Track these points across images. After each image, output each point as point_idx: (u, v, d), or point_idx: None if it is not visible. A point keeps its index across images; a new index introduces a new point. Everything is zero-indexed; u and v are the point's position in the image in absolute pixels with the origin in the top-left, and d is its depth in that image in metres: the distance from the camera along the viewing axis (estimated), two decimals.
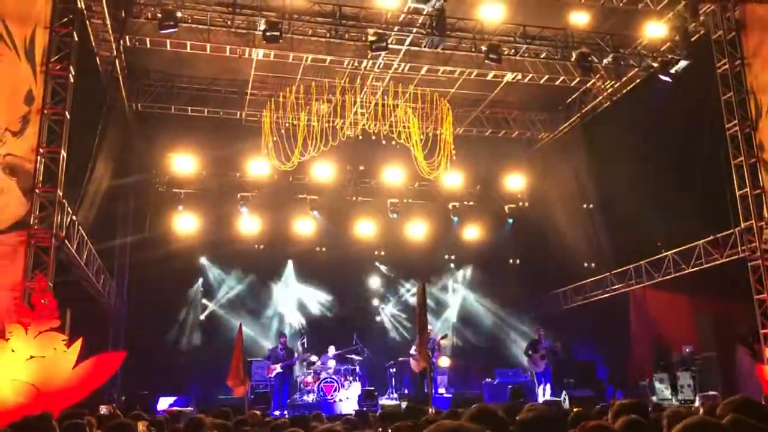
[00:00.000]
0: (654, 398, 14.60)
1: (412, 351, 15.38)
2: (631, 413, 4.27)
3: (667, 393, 14.64)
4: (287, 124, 15.55)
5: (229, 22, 13.06)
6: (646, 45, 14.64)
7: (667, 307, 16.36)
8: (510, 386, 14.85)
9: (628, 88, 16.38)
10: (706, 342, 14.61)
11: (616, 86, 16.50)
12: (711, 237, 14.07)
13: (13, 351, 9.50)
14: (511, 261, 20.75)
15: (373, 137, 16.06)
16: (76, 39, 11.24)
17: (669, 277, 15.35)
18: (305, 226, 19.10)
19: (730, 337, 14.29)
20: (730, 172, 13.32)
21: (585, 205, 18.15)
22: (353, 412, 12.99)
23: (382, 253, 19.84)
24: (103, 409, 9.06)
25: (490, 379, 16.05)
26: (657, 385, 15.00)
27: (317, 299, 19.17)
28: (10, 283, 10.06)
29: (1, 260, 10.09)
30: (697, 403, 12.92)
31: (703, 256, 14.32)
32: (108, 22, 12.67)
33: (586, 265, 18.43)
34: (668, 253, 15.39)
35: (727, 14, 13.63)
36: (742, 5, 13.56)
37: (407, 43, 14.03)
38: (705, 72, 13.86)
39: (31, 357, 9.55)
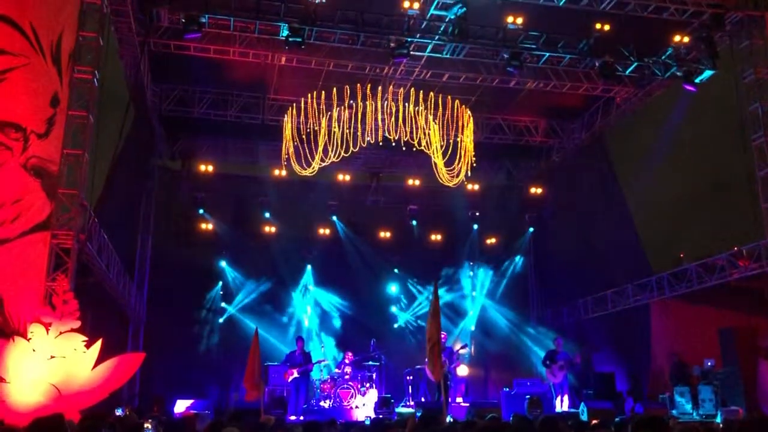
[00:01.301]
0: (674, 412, 14.39)
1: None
2: (649, 428, 4.21)
3: (688, 407, 14.41)
4: (308, 130, 15.59)
5: (252, 28, 13.15)
6: (671, 54, 14.48)
7: (689, 320, 16.12)
8: (528, 397, 14.71)
9: (652, 97, 16.21)
10: (729, 355, 14.38)
11: (639, 95, 16.34)
12: (735, 249, 13.85)
13: (34, 351, 9.62)
14: (530, 269, 20.60)
15: (393, 143, 16.05)
16: (102, 43, 11.39)
17: (692, 289, 15.12)
18: (324, 231, 19.13)
19: (753, 350, 14.05)
20: (755, 183, 13.12)
21: (608, 213, 17.94)
22: (368, 419, 13.01)
23: (401, 259, 19.80)
24: (120, 411, 9.11)
25: (508, 389, 15.91)
26: (677, 398, 14.77)
27: (335, 305, 19.18)
28: (33, 284, 10.17)
29: (24, 261, 10.22)
30: (719, 419, 12.73)
31: (726, 268, 14.09)
32: (133, 26, 12.82)
33: (606, 274, 18.21)
34: (691, 264, 15.17)
35: (753, 24, 13.46)
36: None
37: (429, 49, 14.03)
38: (730, 82, 13.68)
39: (52, 357, 9.66)
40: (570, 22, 13.82)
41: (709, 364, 14.62)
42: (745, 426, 3.45)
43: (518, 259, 20.51)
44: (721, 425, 11.02)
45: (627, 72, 14.63)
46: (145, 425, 6.15)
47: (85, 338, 9.96)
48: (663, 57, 14.49)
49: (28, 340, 9.66)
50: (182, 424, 7.34)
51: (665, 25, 13.86)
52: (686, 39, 13.94)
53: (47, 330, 9.77)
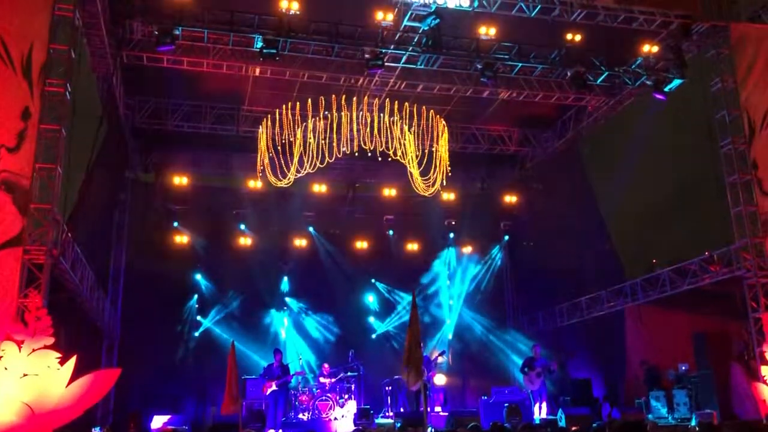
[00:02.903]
0: (650, 416, 14.56)
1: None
2: None
3: (663, 411, 14.60)
4: (283, 141, 15.57)
5: (226, 40, 13.11)
6: (641, 63, 14.76)
7: (663, 325, 16.36)
8: (506, 404, 14.78)
9: (623, 105, 16.48)
10: (702, 360, 14.60)
11: (610, 104, 16.60)
12: (706, 254, 14.10)
13: (6, 369, 9.42)
14: (506, 277, 20.75)
15: (369, 154, 16.10)
16: (74, 56, 11.26)
17: (665, 294, 15.35)
18: (301, 242, 19.06)
19: (726, 354, 14.29)
20: (724, 189, 13.39)
21: (581, 221, 18.14)
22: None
23: (378, 269, 19.80)
24: (98, 430, 8.97)
25: (486, 397, 15.97)
26: (653, 402, 14.96)
27: (313, 316, 19.10)
28: (4, 301, 9.97)
29: None
30: (693, 422, 12.91)
31: (698, 273, 14.34)
32: (106, 39, 12.70)
33: (581, 281, 18.42)
34: (664, 270, 15.40)
35: (720, 34, 13.79)
36: (735, 25, 13.72)
37: (403, 60, 14.12)
38: (699, 90, 13.98)
39: (25, 375, 9.47)
40: (542, 33, 14.03)
41: (683, 368, 14.85)
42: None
43: (494, 267, 20.64)
44: (696, 428, 11.19)
45: (598, 81, 14.88)
46: None
47: (59, 355, 9.79)
48: (633, 66, 14.78)
49: (0, 358, 9.47)
50: None
51: (634, 35, 14.14)
52: (655, 49, 14.23)
53: (19, 348, 9.57)
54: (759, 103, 13.43)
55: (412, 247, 20.00)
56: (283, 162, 15.49)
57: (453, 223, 20.20)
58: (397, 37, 13.65)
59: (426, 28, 13.19)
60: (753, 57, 13.61)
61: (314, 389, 15.53)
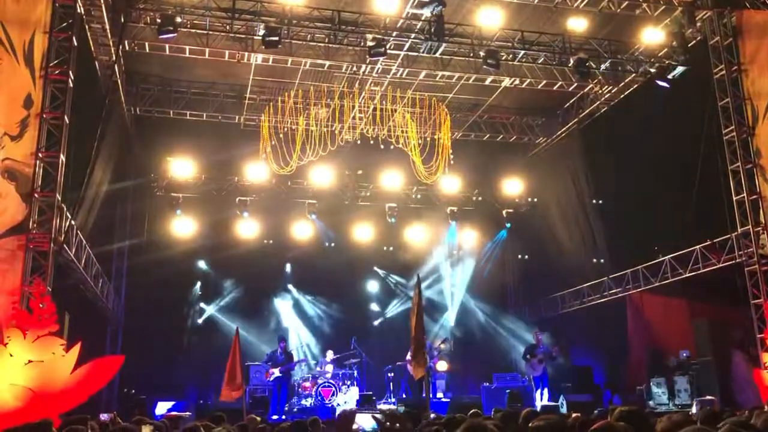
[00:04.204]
0: (651, 403, 14.64)
1: (408, 356, 15.39)
2: (630, 421, 4.30)
3: (664, 398, 14.67)
4: (286, 129, 15.58)
5: (228, 27, 13.09)
6: (644, 51, 14.71)
7: (664, 312, 16.39)
8: (508, 391, 14.86)
9: (626, 93, 16.45)
10: (703, 346, 14.65)
11: (613, 92, 16.57)
12: (708, 242, 14.11)
13: (11, 355, 9.50)
14: (508, 265, 20.79)
15: (372, 142, 16.09)
16: (75, 44, 11.25)
17: (666, 282, 15.39)
18: (303, 230, 19.09)
19: (727, 341, 14.33)
20: (727, 177, 13.39)
21: (584, 209, 18.14)
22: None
23: (381, 256, 19.84)
24: (104, 416, 9.03)
25: (488, 384, 16.06)
26: (654, 389, 15.03)
27: (315, 303, 19.17)
28: (9, 288, 10.05)
29: (0, 265, 10.08)
30: (693, 409, 12.97)
31: (700, 261, 14.36)
32: (107, 26, 12.69)
33: (583, 268, 18.43)
34: (665, 257, 15.42)
35: (724, 20, 13.72)
36: (738, 12, 13.64)
37: (406, 48, 14.08)
38: (702, 78, 13.93)
39: (30, 361, 9.55)
40: (545, 20, 13.98)
41: (684, 355, 14.90)
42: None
43: (496, 255, 20.65)
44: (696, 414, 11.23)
45: (601, 68, 14.83)
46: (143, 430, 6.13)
47: (64, 341, 9.87)
48: (636, 53, 14.71)
49: (5, 345, 9.54)
50: (166, 426, 7.31)
51: (638, 21, 14.09)
52: (658, 35, 14.16)
53: (24, 334, 9.64)
54: (763, 90, 13.37)
55: (415, 234, 20.02)
56: (285, 150, 15.51)
57: (455, 210, 20.21)
58: (399, 25, 13.61)
59: (429, 15, 13.14)
60: (757, 44, 13.54)
61: (317, 375, 15.63)
